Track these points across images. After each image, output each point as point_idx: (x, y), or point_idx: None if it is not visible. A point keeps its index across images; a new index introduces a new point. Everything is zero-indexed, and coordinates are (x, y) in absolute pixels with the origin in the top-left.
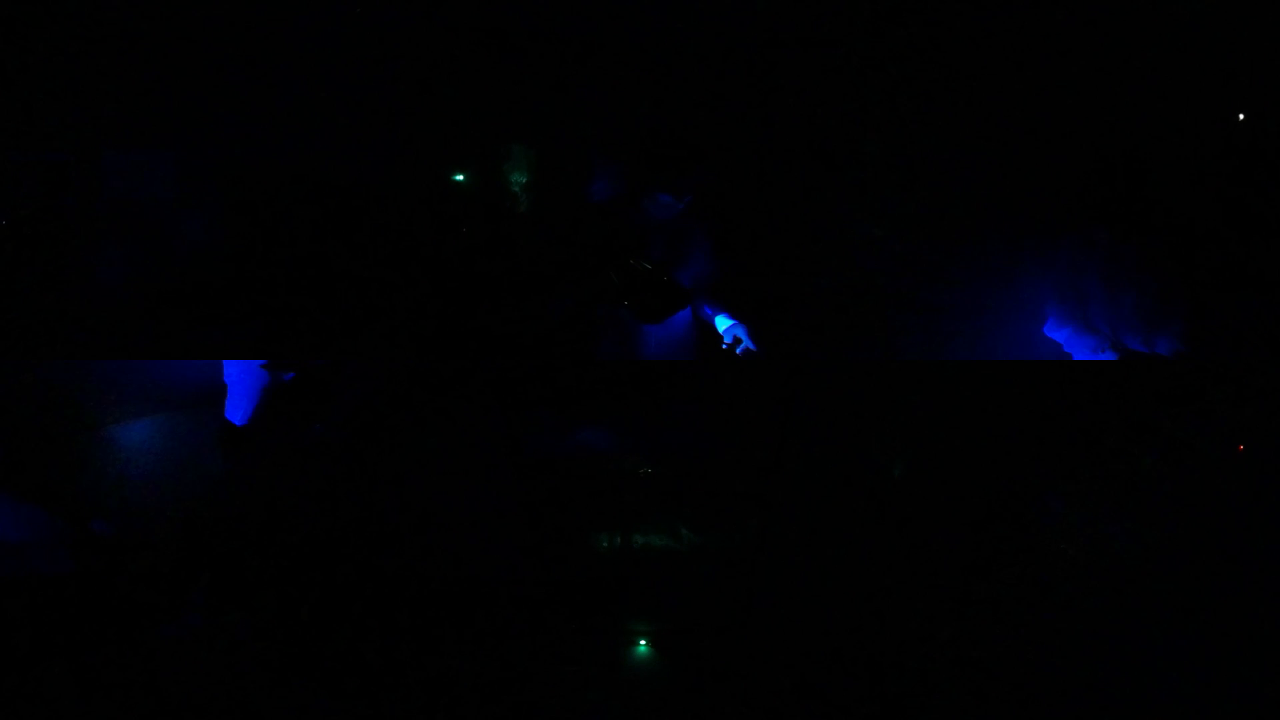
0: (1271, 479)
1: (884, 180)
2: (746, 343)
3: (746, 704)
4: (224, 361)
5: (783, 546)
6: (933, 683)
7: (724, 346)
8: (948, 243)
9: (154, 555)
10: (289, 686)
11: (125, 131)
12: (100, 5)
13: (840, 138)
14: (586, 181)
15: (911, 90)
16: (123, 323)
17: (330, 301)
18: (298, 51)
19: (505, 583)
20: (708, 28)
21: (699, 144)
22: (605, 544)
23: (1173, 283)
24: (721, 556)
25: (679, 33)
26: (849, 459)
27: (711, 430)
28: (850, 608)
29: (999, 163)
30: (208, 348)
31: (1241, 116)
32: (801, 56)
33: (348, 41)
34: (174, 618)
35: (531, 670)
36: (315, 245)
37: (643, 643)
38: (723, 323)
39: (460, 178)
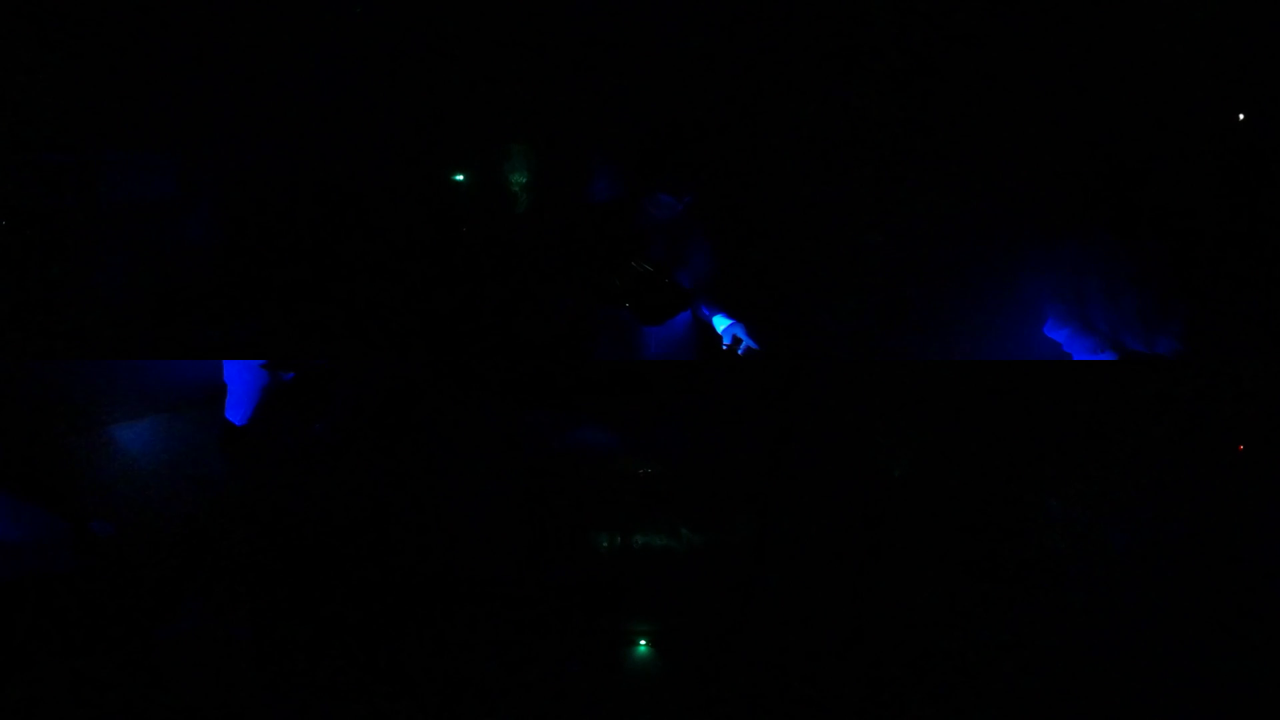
0: (1271, 479)
1: (884, 180)
2: (747, 342)
3: (746, 704)
4: (224, 361)
5: (783, 546)
6: (933, 682)
7: (724, 347)
8: (947, 243)
9: (154, 555)
10: (289, 686)
11: (125, 131)
12: (100, 5)
13: (840, 137)
14: (586, 181)
15: (912, 90)
16: (123, 323)
17: (330, 301)
18: (298, 51)
19: (505, 583)
20: (708, 28)
21: (699, 144)
22: (605, 544)
23: (1173, 283)
24: (721, 556)
25: (679, 32)
26: (849, 459)
27: (711, 430)
28: (850, 608)
29: (999, 163)
30: (208, 348)
31: (1241, 116)
32: (802, 56)
33: (348, 42)
34: (174, 618)
35: (531, 670)
36: (315, 245)
37: (643, 643)
38: (721, 322)
39: (460, 178)
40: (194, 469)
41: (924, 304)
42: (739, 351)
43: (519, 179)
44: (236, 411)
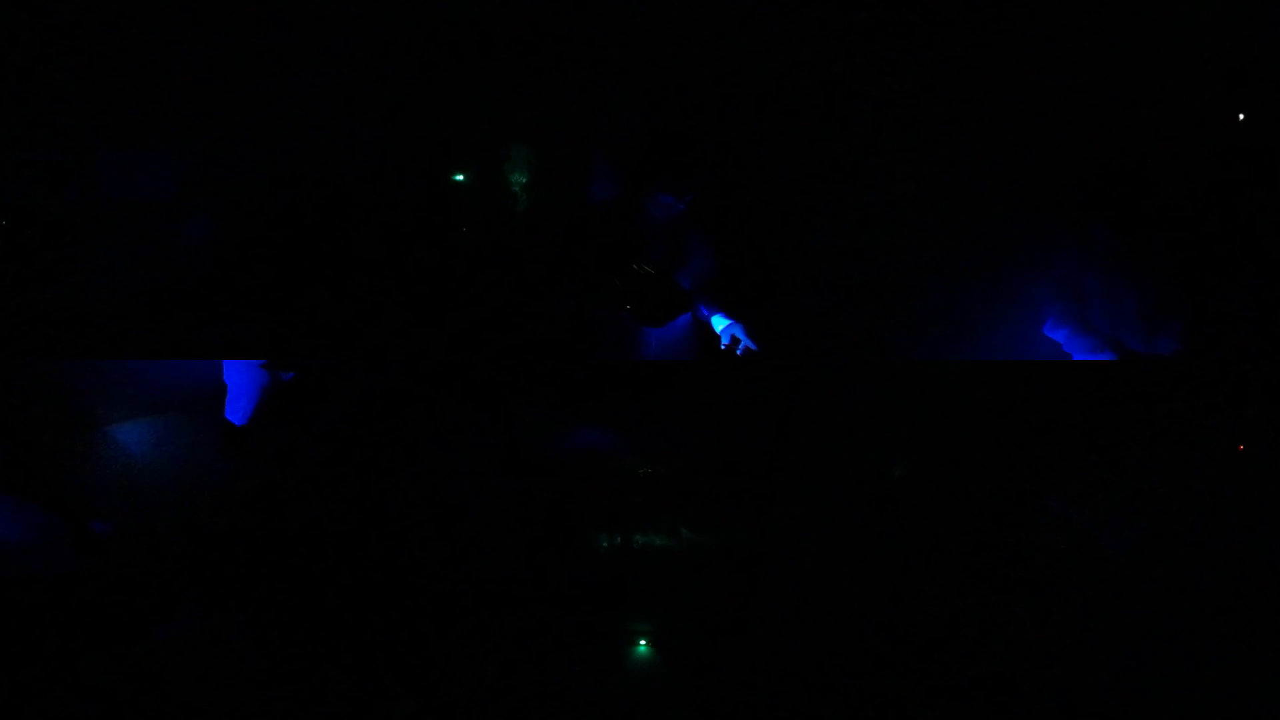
0: (1271, 479)
1: (884, 180)
2: (746, 342)
3: (746, 704)
4: (224, 361)
5: (783, 546)
6: (933, 682)
7: (723, 347)
8: (947, 243)
9: (154, 555)
10: (288, 686)
11: (125, 131)
12: (100, 5)
13: (840, 137)
14: (587, 182)
15: (911, 90)
16: (123, 323)
17: (330, 301)
18: (298, 51)
19: (505, 583)
20: (709, 27)
21: (700, 144)
22: (605, 544)
23: (1173, 283)
24: (721, 556)
25: (680, 32)
26: (849, 459)
27: (711, 430)
28: (850, 608)
29: (999, 162)
30: (208, 348)
31: (1241, 116)
32: (802, 56)
33: (348, 41)
34: (174, 618)
35: (531, 670)
36: (315, 245)
37: (643, 643)
38: (719, 322)
39: (460, 178)
40: (194, 469)
41: (924, 304)
42: (738, 352)
43: (519, 179)
44: (236, 411)
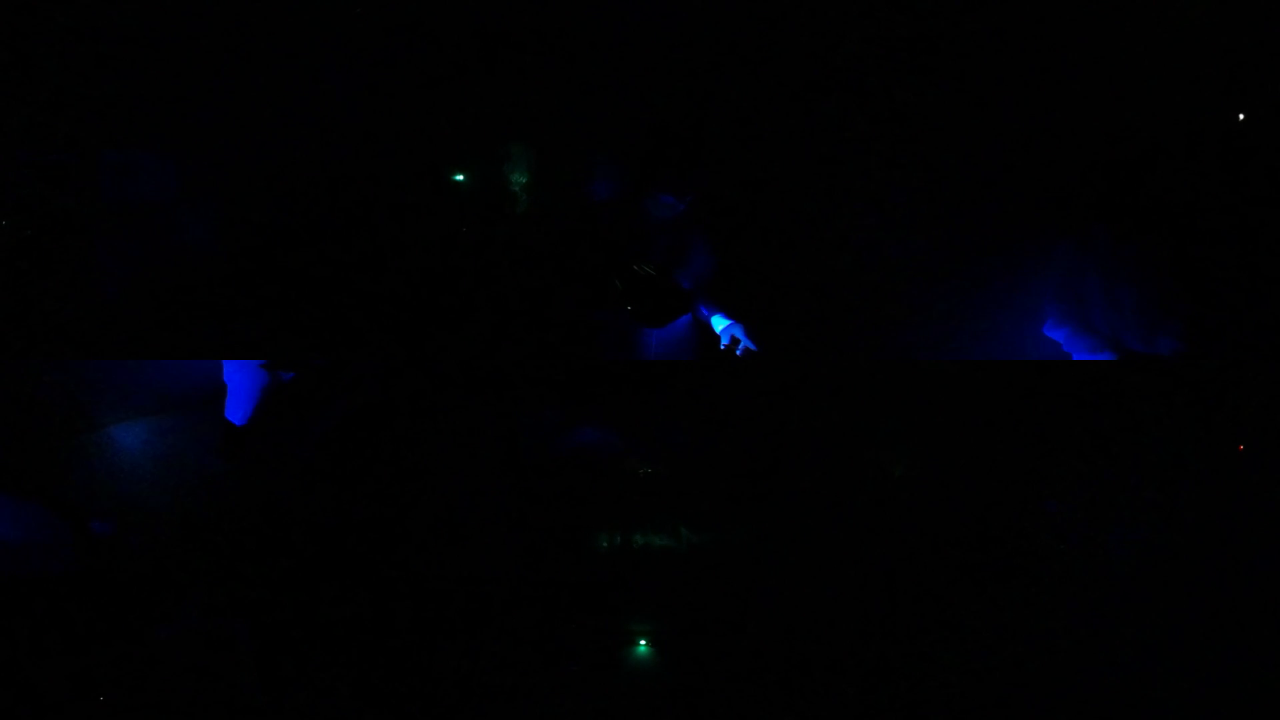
0: (1271, 479)
1: (884, 180)
2: (745, 342)
3: (746, 704)
4: (224, 361)
5: (783, 546)
6: (932, 682)
7: (723, 347)
8: (947, 242)
9: (154, 555)
10: (288, 686)
11: (125, 131)
12: (100, 5)
13: (840, 137)
14: (587, 182)
15: (911, 89)
16: (123, 323)
17: (330, 301)
18: (298, 51)
19: (505, 582)
20: (709, 27)
21: (700, 144)
22: (605, 544)
23: (1173, 283)
24: (721, 556)
25: (680, 32)
26: (849, 459)
27: (711, 430)
28: (850, 608)
29: (998, 162)
30: (208, 348)
31: (1241, 116)
32: (802, 56)
33: (348, 41)
34: (174, 618)
35: (531, 670)
36: (315, 245)
37: (643, 643)
38: (719, 323)
39: (460, 178)
40: (194, 469)
41: (924, 304)
42: (737, 352)
43: (519, 179)
44: (236, 411)
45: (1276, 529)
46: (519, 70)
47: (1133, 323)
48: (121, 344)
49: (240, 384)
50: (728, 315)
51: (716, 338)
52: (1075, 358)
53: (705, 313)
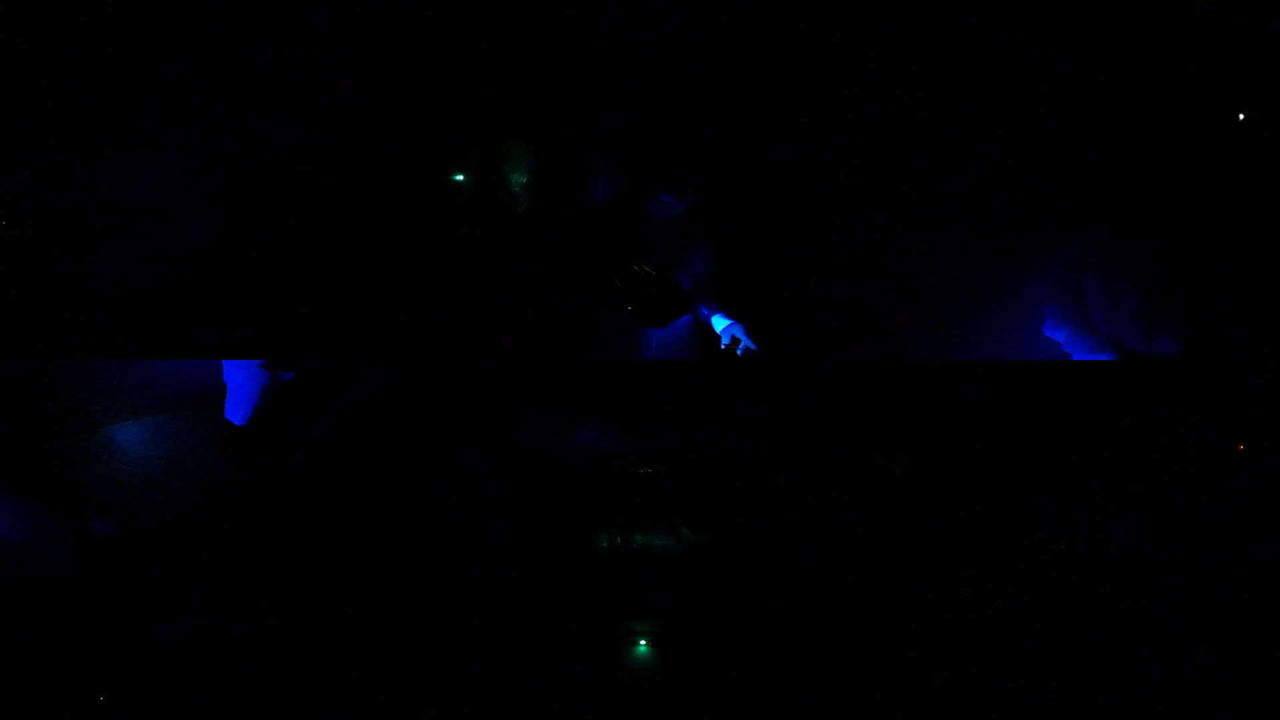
0: (1271, 479)
1: (884, 180)
2: (746, 342)
3: (746, 704)
4: (224, 361)
5: (783, 546)
6: (932, 682)
7: (723, 346)
8: (947, 242)
9: (154, 555)
10: (288, 686)
11: (125, 131)
12: (100, 5)
13: (841, 137)
14: (587, 182)
15: (911, 90)
16: (123, 323)
17: (330, 301)
18: (298, 51)
19: (505, 583)
20: (710, 27)
21: (700, 144)
22: (605, 544)
23: (1173, 283)
24: (721, 556)
25: (681, 32)
26: (849, 459)
27: (711, 430)
28: (850, 608)
29: (999, 162)
30: (208, 348)
31: (1241, 117)
32: (803, 57)
33: (348, 41)
34: (174, 618)
35: (531, 670)
36: (315, 245)
37: (643, 643)
38: (719, 323)
39: (460, 178)
40: (194, 469)
41: (924, 304)
42: (738, 352)
43: (519, 179)
44: (236, 411)
45: (1276, 529)
46: (519, 70)
47: (1133, 323)
48: (121, 344)
49: (240, 384)
50: (728, 315)
51: (717, 338)
52: (1075, 358)
53: (705, 313)
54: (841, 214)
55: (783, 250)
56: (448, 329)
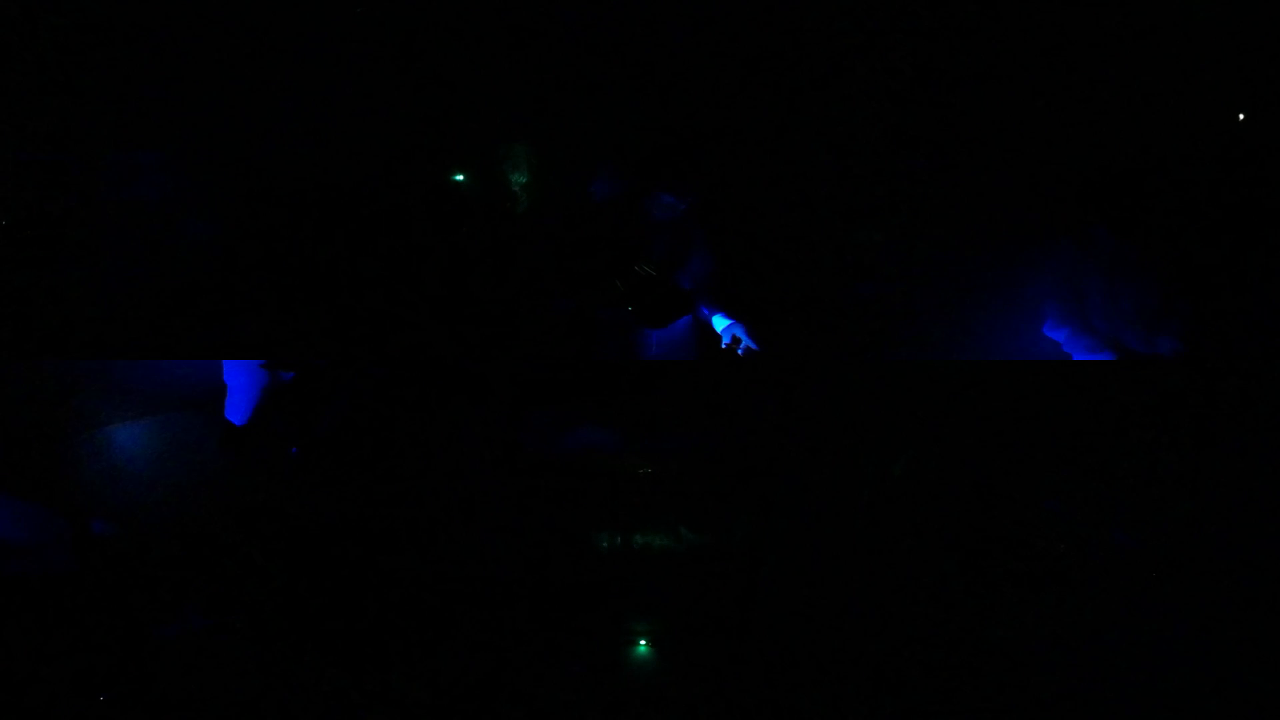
0: (1271, 479)
1: (884, 181)
2: (746, 342)
3: (746, 704)
4: (224, 361)
5: (783, 546)
6: (932, 682)
7: (724, 346)
8: (947, 243)
9: (154, 555)
10: (288, 687)
11: (125, 131)
12: (99, 5)
13: (841, 138)
14: (588, 182)
15: (912, 90)
16: (123, 323)
17: (330, 301)
18: (298, 51)
19: (505, 582)
20: (710, 27)
21: (701, 144)
22: (605, 544)
23: (1173, 283)
24: (721, 556)
25: (681, 32)
26: (849, 459)
27: (711, 430)
28: (850, 607)
29: (998, 162)
30: (208, 348)
31: (1241, 116)
32: (803, 57)
33: (348, 41)
34: (174, 618)
35: (531, 670)
36: (315, 245)
37: (643, 643)
38: (720, 322)
39: (460, 178)
40: (194, 469)
41: (924, 304)
42: (738, 351)
43: (519, 179)
44: (236, 411)
45: (1276, 529)
46: (519, 70)
47: (1133, 323)
48: (121, 344)
49: (240, 384)
50: (728, 315)
51: (717, 338)
52: (1075, 358)
53: (705, 313)
54: (842, 214)
55: (783, 250)
56: (448, 329)
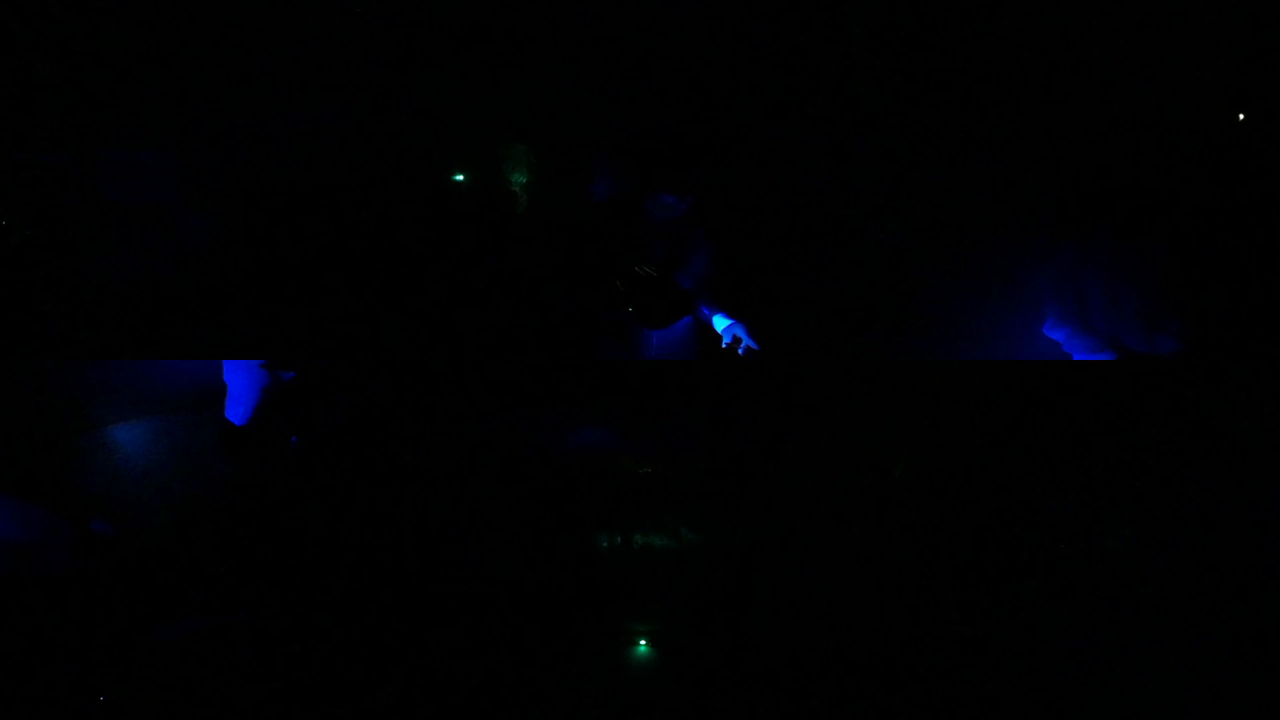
0: (1271, 479)
1: (884, 180)
2: (747, 341)
3: (746, 704)
4: (224, 361)
5: (783, 546)
6: (933, 682)
7: (724, 346)
8: (947, 242)
9: (154, 555)
10: (288, 687)
11: (125, 131)
12: (99, 5)
13: (841, 138)
14: (587, 182)
15: (911, 90)
16: (123, 323)
17: (330, 301)
18: (298, 51)
19: (505, 583)
20: (710, 27)
21: (701, 144)
22: (605, 544)
23: (1172, 283)
24: (721, 556)
25: (681, 32)
26: (849, 459)
27: (711, 430)
28: (850, 607)
29: (998, 162)
30: (208, 348)
31: (1241, 116)
32: (803, 57)
33: (347, 41)
34: (174, 618)
35: (531, 670)
36: (315, 245)
37: (643, 643)
38: (720, 322)
39: (460, 178)
40: (194, 469)
41: (923, 304)
42: (739, 351)
43: (519, 179)
44: (236, 411)
45: (1276, 529)
46: (519, 70)
47: (1133, 323)
48: (121, 344)
49: (240, 384)
50: (728, 315)
51: (717, 338)
52: (1075, 358)
53: (705, 313)
54: (842, 214)
55: (783, 250)
56: (447, 329)
